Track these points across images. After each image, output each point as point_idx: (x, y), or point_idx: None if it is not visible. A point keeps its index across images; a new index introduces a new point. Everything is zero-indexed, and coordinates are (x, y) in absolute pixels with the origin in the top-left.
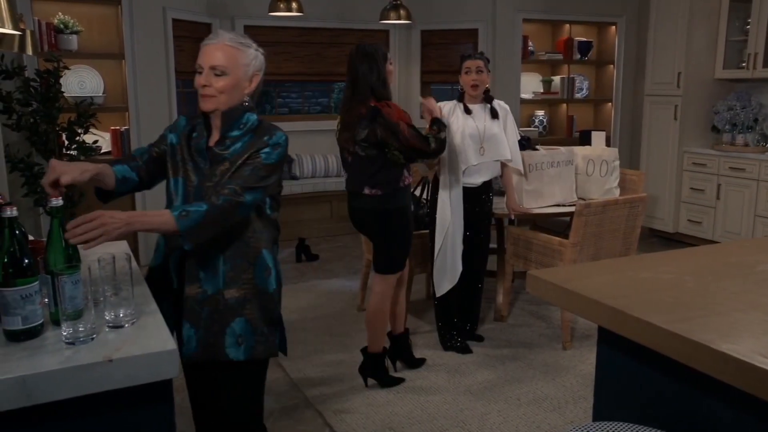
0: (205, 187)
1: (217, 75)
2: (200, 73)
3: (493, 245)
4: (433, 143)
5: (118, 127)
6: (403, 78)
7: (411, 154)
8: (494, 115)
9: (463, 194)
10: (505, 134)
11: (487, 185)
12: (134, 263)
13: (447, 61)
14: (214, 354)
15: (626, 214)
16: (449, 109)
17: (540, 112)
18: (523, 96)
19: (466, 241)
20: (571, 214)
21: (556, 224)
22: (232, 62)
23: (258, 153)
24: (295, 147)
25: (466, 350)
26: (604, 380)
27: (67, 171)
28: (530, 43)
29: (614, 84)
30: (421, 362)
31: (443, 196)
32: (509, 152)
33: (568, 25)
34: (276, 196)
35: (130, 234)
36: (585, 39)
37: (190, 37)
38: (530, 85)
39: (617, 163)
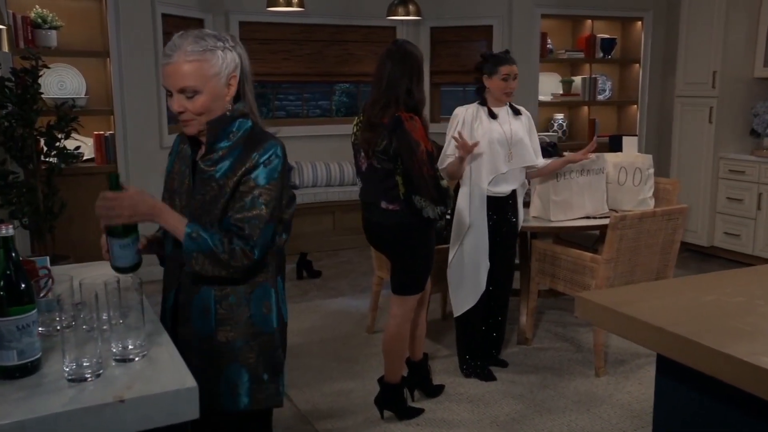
0: (191, 208)
1: (189, 97)
2: (170, 95)
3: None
4: (444, 192)
5: (102, 132)
6: None
7: (416, 183)
8: (516, 118)
9: (491, 205)
10: (529, 139)
11: (514, 194)
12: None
13: (459, 60)
14: (207, 403)
15: (664, 227)
16: (472, 114)
17: (559, 116)
18: (542, 98)
19: (491, 257)
20: (603, 227)
21: (583, 238)
22: (200, 78)
23: (249, 177)
24: (294, 154)
25: (490, 377)
26: (665, 416)
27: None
28: (549, 41)
29: (640, 84)
30: (439, 390)
31: (462, 206)
32: (534, 157)
33: (589, 21)
34: (283, 216)
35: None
36: (608, 36)
37: None
38: (549, 86)
39: (652, 171)
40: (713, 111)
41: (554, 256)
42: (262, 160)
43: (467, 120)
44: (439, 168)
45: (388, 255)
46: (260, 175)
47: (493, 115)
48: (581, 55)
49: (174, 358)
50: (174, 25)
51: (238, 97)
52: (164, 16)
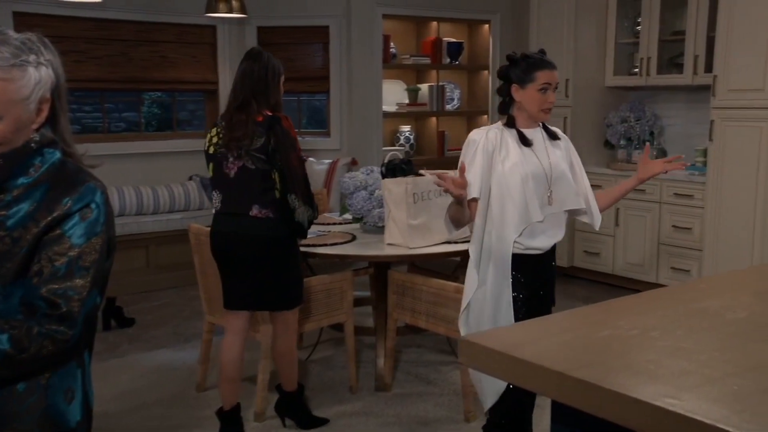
0: None
1: None
2: None
3: (365, 293)
4: (312, 196)
5: None
6: None
7: (292, 180)
8: (554, 144)
9: (524, 267)
10: (572, 174)
11: (554, 251)
12: None
13: (292, 65)
14: None
15: None
16: (494, 140)
17: (405, 128)
18: (386, 108)
19: None
20: (466, 252)
21: (442, 265)
22: (5, 102)
23: (61, 231)
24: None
25: None
26: None
27: None
28: (392, 45)
29: (490, 93)
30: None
31: (470, 274)
32: (581, 197)
33: (435, 23)
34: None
35: None
36: (455, 40)
37: None
38: (393, 95)
39: None
40: (567, 121)
41: (413, 288)
42: (76, 209)
43: (488, 149)
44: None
45: (254, 271)
46: (76, 230)
47: (526, 141)
48: (427, 60)
49: None
50: None
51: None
52: None
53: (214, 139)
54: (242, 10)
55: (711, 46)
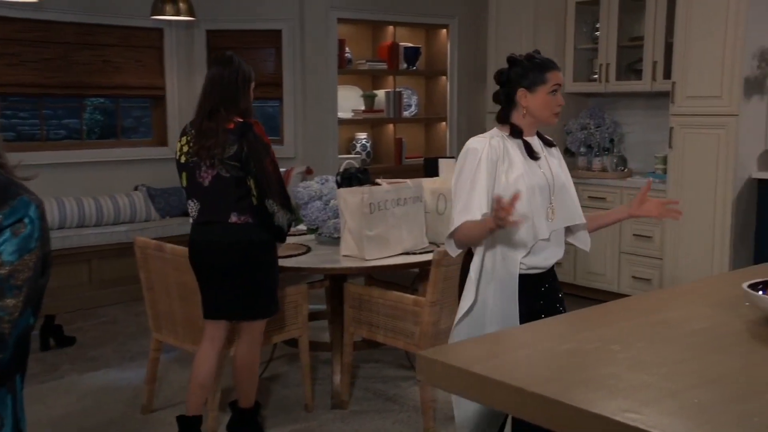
0: None
1: None
2: None
3: (320, 306)
4: (289, 198)
5: None
6: (184, 93)
7: (269, 185)
8: (550, 152)
9: (525, 287)
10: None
11: (553, 270)
12: None
13: None
14: None
15: None
16: (498, 150)
17: (362, 135)
18: (341, 115)
19: None
20: (424, 263)
21: (400, 276)
22: None
23: None
24: (33, 187)
25: None
26: None
27: None
28: (347, 49)
29: (448, 99)
30: None
31: (468, 293)
32: (580, 211)
33: (391, 28)
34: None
35: None
36: (412, 45)
37: None
38: (349, 101)
39: None
40: None
41: (371, 300)
42: (7, 224)
43: (492, 158)
44: (451, 229)
45: (236, 277)
46: (7, 246)
47: (533, 155)
48: (384, 65)
49: None
50: None
51: None
52: None
53: (185, 148)
54: (190, 13)
55: (669, 52)
